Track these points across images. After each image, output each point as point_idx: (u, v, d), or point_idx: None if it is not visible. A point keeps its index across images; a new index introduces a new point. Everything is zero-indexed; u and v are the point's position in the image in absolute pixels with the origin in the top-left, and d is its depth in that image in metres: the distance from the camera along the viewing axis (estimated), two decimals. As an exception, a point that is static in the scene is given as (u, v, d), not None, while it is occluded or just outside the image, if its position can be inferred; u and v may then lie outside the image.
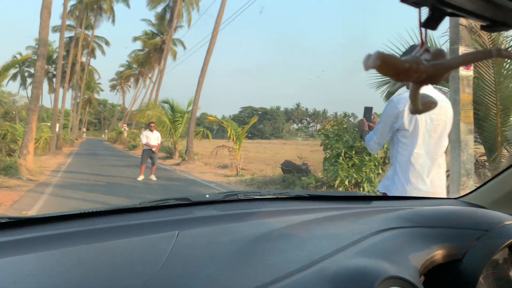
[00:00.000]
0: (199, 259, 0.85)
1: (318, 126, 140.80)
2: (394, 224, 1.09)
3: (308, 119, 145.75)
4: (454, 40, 5.04)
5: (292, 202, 1.54)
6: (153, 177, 10.82)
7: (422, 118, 2.36)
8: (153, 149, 10.76)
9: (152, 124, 11.14)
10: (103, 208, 1.21)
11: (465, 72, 4.94)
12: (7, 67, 8.13)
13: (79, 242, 0.95)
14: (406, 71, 0.45)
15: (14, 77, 54.11)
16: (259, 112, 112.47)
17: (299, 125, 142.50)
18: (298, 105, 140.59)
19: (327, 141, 8.51)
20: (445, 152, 2.49)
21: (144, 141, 10.76)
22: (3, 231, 0.99)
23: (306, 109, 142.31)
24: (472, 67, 5.02)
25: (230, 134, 13.16)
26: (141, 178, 10.62)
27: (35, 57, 10.79)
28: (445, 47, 5.92)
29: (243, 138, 14.51)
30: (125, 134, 39.08)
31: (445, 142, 2.46)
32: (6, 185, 9.07)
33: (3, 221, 1.03)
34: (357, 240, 0.94)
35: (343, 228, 1.13)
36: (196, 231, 1.07)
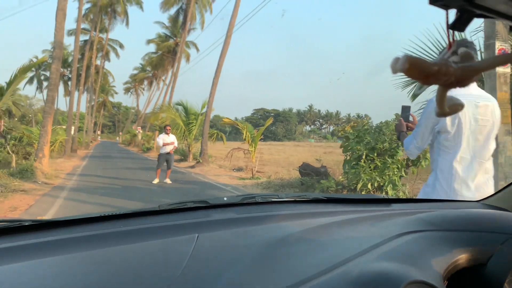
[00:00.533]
0: (220, 263, 0.85)
1: (331, 128, 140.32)
2: (415, 227, 1.08)
3: (321, 120, 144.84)
4: (490, 35, 4.72)
5: (310, 205, 1.53)
6: (168, 181, 10.68)
7: (466, 119, 2.14)
8: (169, 151, 10.59)
9: (168, 127, 10.96)
10: (123, 211, 1.23)
11: (502, 69, 4.61)
12: (24, 70, 8.04)
13: (100, 245, 0.96)
14: (435, 74, 0.45)
15: (30, 81, 55.17)
16: (272, 114, 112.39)
17: (312, 126, 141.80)
18: (310, 106, 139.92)
19: (347, 143, 8.22)
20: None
21: (160, 143, 10.58)
22: (26, 234, 1.01)
23: (319, 110, 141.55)
24: (509, 64, 4.69)
25: (245, 136, 12.93)
26: (156, 181, 10.49)
27: (51, 60, 10.75)
28: (478, 43, 5.60)
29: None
30: (139, 137, 39.30)
31: (493, 145, 2.22)
32: (21, 189, 9.03)
33: (26, 223, 1.05)
34: (378, 244, 0.93)
35: (363, 231, 1.12)
36: (216, 234, 1.08)
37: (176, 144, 11.07)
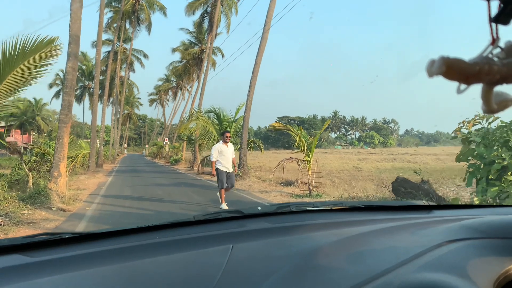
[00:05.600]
0: (255, 275, 0.83)
1: (358, 134, 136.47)
2: (459, 235, 1.03)
3: (346, 127, 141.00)
4: None
5: (347, 214, 1.51)
6: (224, 205, 7.94)
7: None
8: (234, 170, 8.06)
9: (227, 134, 8.14)
10: (158, 223, 1.25)
11: None
12: (33, 50, 5.76)
13: (136, 256, 0.98)
14: (476, 74, 0.41)
15: (57, 95, 54.85)
16: (296, 122, 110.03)
17: (337, 133, 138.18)
18: (335, 113, 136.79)
19: (470, 148, 5.76)
20: None
21: (215, 157, 7.88)
22: (66, 247, 1.04)
23: (344, 117, 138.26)
24: None
25: (298, 143, 10.58)
26: (224, 206, 7.79)
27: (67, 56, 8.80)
28: None
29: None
30: (167, 148, 37.67)
31: None
32: (30, 220, 7.03)
33: (66, 236, 1.10)
34: (419, 253, 0.90)
35: (403, 240, 1.08)
36: (250, 245, 1.07)
37: (234, 155, 8.35)
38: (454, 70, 0.40)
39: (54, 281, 0.83)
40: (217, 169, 7.94)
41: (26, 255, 0.97)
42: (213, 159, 7.91)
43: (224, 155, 7.92)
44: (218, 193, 8.21)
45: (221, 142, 8.15)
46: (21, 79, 5.88)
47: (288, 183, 12.64)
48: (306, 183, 10.86)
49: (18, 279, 0.84)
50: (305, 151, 10.52)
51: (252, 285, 0.77)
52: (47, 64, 6.08)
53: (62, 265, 0.91)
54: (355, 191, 9.83)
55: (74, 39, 8.71)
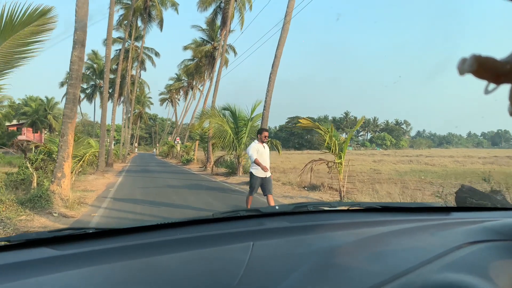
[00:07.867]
0: (277, 272, 0.83)
1: (369, 135, 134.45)
2: (480, 237, 1.02)
3: (358, 128, 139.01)
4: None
5: (365, 214, 1.48)
6: None
7: None
8: (267, 173, 6.77)
9: (265, 133, 7.00)
10: (178, 220, 1.25)
11: None
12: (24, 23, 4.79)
13: (158, 252, 0.98)
14: (507, 73, 0.41)
15: (68, 94, 54.57)
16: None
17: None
18: (346, 113, 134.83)
19: None
20: None
21: (254, 157, 6.72)
22: (91, 241, 1.06)
23: (355, 117, 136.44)
24: None
25: (329, 143, 9.49)
26: None
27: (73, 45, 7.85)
28: None
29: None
30: (178, 148, 36.84)
31: None
32: (27, 228, 6.11)
33: (90, 231, 1.11)
34: (441, 254, 0.88)
35: (423, 241, 1.07)
36: (270, 243, 1.07)
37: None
38: (486, 68, 0.40)
39: (82, 273, 0.84)
40: (251, 173, 6.82)
41: (53, 248, 0.98)
42: (255, 157, 6.73)
43: (261, 156, 6.82)
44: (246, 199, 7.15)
45: (256, 141, 7.00)
46: (8, 60, 4.91)
47: (312, 188, 11.55)
48: (335, 188, 9.78)
49: (47, 271, 0.85)
50: (337, 152, 9.42)
51: (274, 281, 0.76)
52: (39, 41, 5.09)
53: (88, 259, 0.92)
54: (380, 195, 8.70)
55: (81, 25, 7.77)
